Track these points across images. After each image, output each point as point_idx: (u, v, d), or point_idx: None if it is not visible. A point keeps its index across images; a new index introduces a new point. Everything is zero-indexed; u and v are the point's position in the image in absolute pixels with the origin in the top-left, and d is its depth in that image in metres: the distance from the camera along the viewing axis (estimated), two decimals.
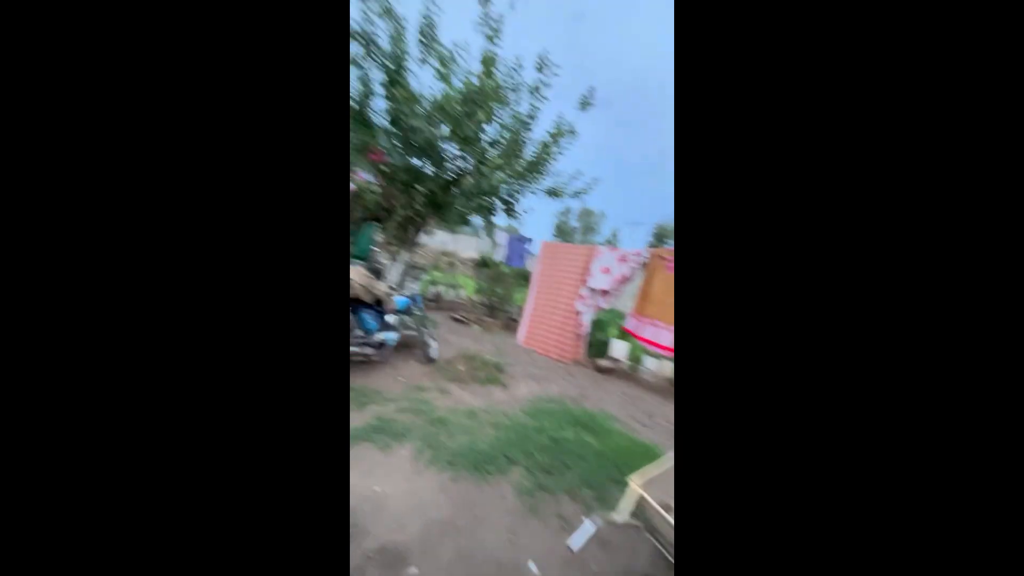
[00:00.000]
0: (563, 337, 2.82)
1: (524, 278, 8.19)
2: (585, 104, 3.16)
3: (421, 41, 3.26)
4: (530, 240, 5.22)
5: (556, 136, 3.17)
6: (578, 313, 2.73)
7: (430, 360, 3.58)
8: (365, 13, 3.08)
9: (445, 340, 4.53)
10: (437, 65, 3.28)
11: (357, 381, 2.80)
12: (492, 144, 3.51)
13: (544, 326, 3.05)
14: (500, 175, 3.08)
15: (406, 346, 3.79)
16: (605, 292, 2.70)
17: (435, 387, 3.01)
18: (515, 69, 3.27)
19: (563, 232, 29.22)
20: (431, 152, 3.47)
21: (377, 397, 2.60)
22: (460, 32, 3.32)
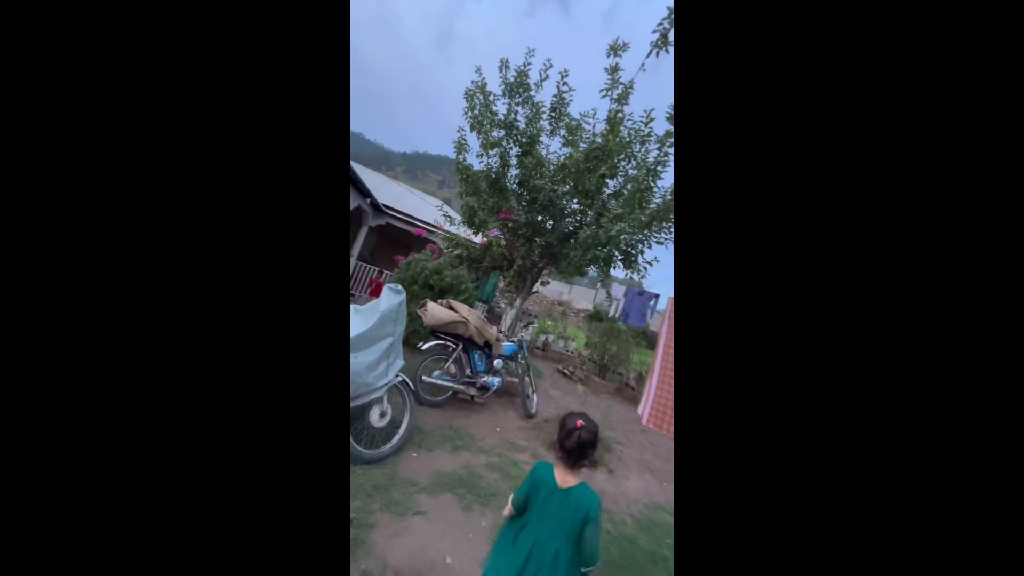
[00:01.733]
0: None
1: (644, 337, 7.13)
2: None
3: (552, 116, 3.68)
4: (656, 296, 4.40)
5: None
6: None
7: (529, 415, 3.38)
8: (509, 106, 3.76)
9: (547, 393, 4.27)
10: (565, 133, 3.57)
11: (458, 421, 2.86)
12: (614, 196, 3.42)
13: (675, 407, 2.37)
14: (620, 225, 2.88)
15: (507, 393, 3.74)
16: None
17: (529, 449, 2.75)
18: (643, 122, 3.20)
19: None
20: (552, 208, 3.66)
21: (472, 444, 2.56)
22: (591, 100, 3.58)
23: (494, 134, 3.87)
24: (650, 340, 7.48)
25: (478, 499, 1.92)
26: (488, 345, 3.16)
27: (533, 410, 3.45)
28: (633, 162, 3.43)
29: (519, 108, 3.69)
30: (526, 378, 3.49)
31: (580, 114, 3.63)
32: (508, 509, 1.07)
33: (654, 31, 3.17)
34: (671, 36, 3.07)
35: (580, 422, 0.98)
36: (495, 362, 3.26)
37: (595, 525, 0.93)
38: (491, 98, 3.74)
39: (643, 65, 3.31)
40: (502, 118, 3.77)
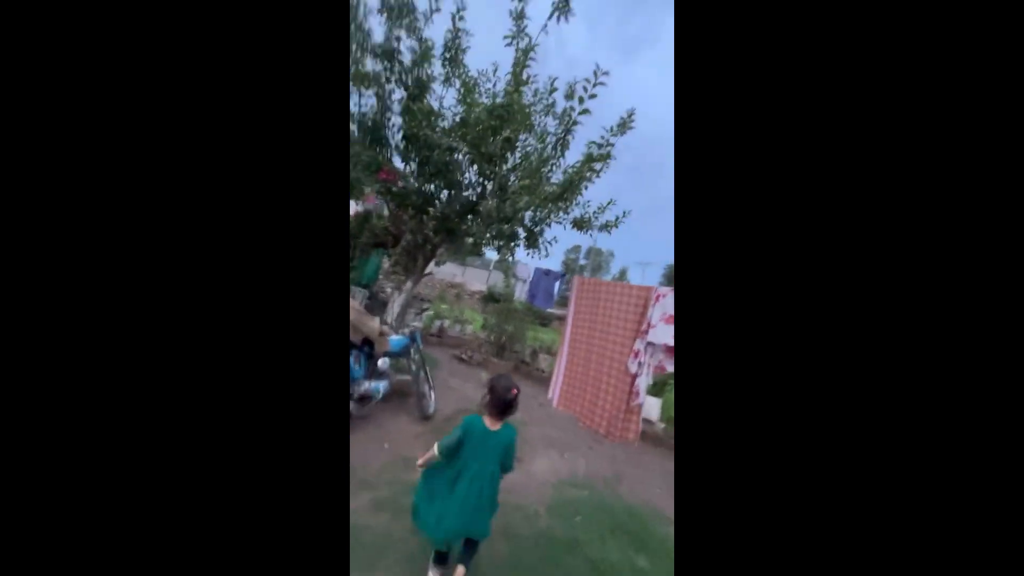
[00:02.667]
0: (611, 407, 2.04)
1: (538, 316, 7.51)
2: (624, 126, 2.79)
3: (446, 58, 3.04)
4: (561, 276, 4.39)
5: (596, 158, 2.68)
6: (632, 376, 2.02)
7: (425, 416, 2.88)
8: (389, 28, 2.89)
9: (445, 384, 3.85)
10: (460, 88, 3.02)
11: None
12: (518, 167, 3.14)
13: (584, 388, 2.28)
14: (527, 199, 2.62)
15: (400, 394, 3.12)
16: (672, 349, 1.85)
17: None
18: (547, 92, 2.99)
19: (570, 270, 29.01)
20: (448, 174, 3.09)
21: (351, 477, 1.90)
22: (492, 54, 3.10)
23: (369, 65, 2.92)
24: (542, 318, 7.95)
25: (369, 557, 1.36)
26: (368, 343, 2.45)
27: (431, 410, 2.97)
28: (533, 134, 3.21)
29: (402, 35, 2.87)
30: (421, 374, 2.95)
31: (479, 72, 3.13)
32: (430, 456, 1.28)
33: None
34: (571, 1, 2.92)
35: (515, 391, 1.25)
36: (380, 362, 2.58)
37: (512, 446, 1.31)
38: (362, 9, 2.76)
39: (545, 27, 3.08)
40: (380, 44, 2.86)
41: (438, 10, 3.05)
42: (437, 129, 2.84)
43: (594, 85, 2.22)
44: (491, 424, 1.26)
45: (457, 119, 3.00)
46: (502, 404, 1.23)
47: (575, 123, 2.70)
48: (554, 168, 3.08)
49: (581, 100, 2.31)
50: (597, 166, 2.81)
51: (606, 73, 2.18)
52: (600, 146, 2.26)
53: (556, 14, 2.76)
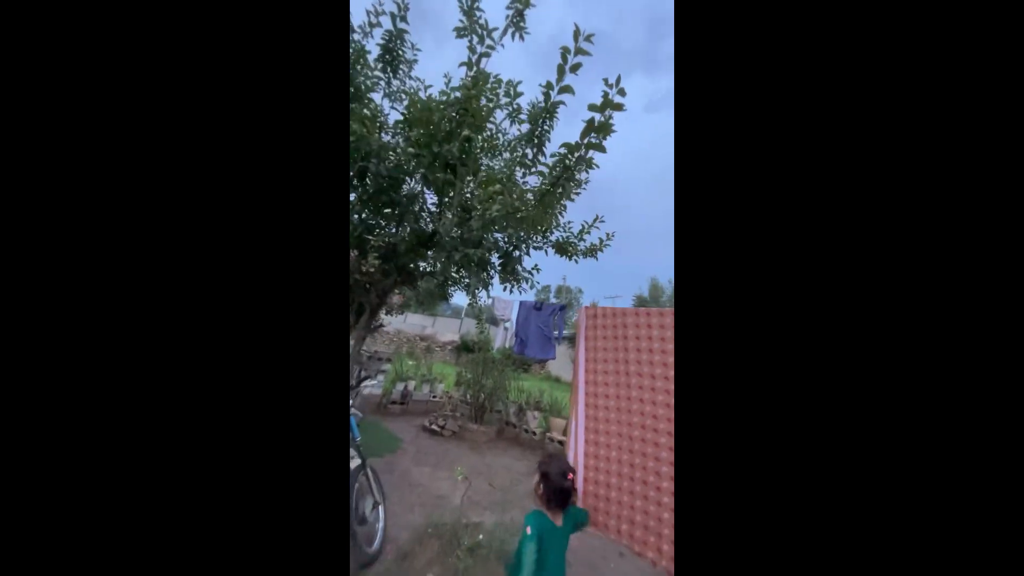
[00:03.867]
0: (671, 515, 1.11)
1: (517, 362, 6.35)
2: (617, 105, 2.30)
3: (387, 60, 2.53)
4: (560, 309, 2.64)
5: (598, 127, 1.86)
6: None
7: (367, 560, 1.75)
8: None
9: (406, 480, 2.69)
10: (408, 106, 2.48)
11: None
12: (483, 182, 2.53)
13: (623, 487, 1.29)
14: (501, 199, 1.94)
15: None
16: None
17: None
18: (510, 95, 2.52)
19: None
20: (395, 193, 2.39)
21: None
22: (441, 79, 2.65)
23: None
24: (521, 363, 6.76)
25: None
26: None
27: (376, 543, 1.84)
28: (497, 148, 2.68)
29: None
30: (360, 480, 1.87)
31: (428, 97, 2.65)
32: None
33: (508, 7, 2.66)
34: (526, 18, 2.64)
35: (571, 475, 1.07)
36: None
37: (581, 514, 1.22)
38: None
39: (500, 42, 2.74)
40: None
41: (378, 24, 2.63)
42: (375, 131, 2.20)
43: (575, 54, 1.71)
44: (555, 518, 1.03)
45: (404, 114, 2.39)
46: (561, 494, 1.02)
47: (556, 107, 2.17)
48: (530, 168, 2.47)
49: (562, 72, 1.78)
50: (596, 139, 2.16)
51: (589, 39, 1.69)
52: (603, 108, 1.61)
53: (510, 31, 2.38)
